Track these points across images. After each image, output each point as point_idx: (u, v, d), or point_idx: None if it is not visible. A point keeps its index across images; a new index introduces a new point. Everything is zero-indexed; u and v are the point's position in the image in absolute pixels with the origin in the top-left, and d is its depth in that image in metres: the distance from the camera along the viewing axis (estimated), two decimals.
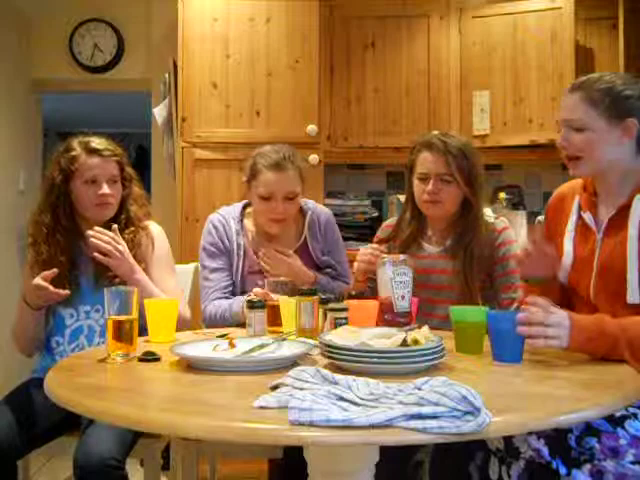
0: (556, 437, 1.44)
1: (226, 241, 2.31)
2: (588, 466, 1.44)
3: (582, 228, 1.78)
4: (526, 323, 1.50)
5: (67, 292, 1.96)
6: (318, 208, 2.44)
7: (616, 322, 1.54)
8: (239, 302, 2.17)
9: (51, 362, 2.00)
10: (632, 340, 1.51)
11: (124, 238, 2.08)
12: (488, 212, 2.20)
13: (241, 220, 2.37)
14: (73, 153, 2.10)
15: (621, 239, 1.65)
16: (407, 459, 1.76)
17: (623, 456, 1.44)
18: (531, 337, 1.50)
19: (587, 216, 1.77)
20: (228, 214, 2.36)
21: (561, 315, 1.53)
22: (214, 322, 2.22)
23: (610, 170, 1.71)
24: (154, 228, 2.25)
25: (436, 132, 2.15)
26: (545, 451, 1.46)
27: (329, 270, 2.35)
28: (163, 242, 2.24)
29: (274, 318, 1.85)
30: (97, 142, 2.13)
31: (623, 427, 1.47)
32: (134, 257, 2.07)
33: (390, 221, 2.30)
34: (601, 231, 1.73)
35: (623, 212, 1.68)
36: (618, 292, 1.65)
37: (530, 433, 1.46)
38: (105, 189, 2.08)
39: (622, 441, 1.45)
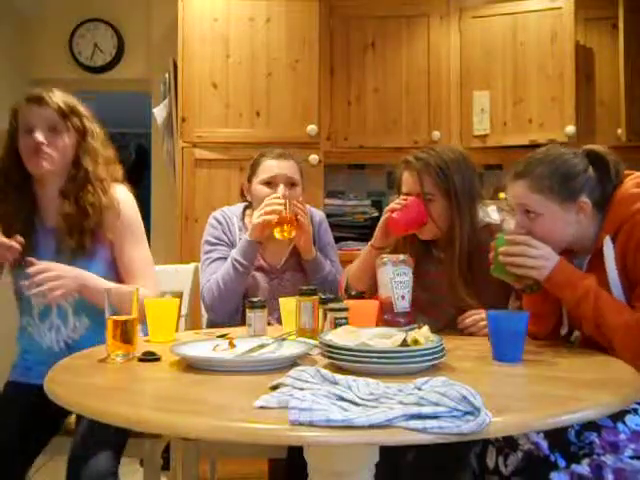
0: (556, 431, 1.45)
1: (229, 235, 2.35)
2: (587, 460, 1.45)
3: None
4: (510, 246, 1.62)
5: (21, 240, 1.81)
6: (313, 209, 2.49)
7: (594, 282, 1.61)
8: (233, 251, 2.25)
9: (28, 346, 2.01)
10: (599, 301, 1.58)
11: (79, 200, 1.92)
12: (493, 214, 2.08)
13: (242, 219, 2.41)
14: (16, 106, 1.98)
15: (602, 283, 1.64)
16: (402, 457, 1.76)
17: (622, 451, 1.45)
18: (512, 263, 1.62)
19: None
20: (230, 212, 2.41)
21: (548, 250, 1.61)
22: (220, 292, 2.23)
23: (574, 242, 1.71)
24: (120, 192, 2.03)
25: (421, 149, 2.06)
26: (544, 445, 1.47)
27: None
28: (131, 209, 2.03)
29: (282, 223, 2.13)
30: (39, 90, 1.99)
31: (623, 422, 1.48)
32: (97, 225, 1.92)
33: None
34: (583, 267, 1.73)
35: (596, 257, 1.68)
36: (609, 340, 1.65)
37: None
38: (39, 137, 1.89)
39: (622, 436, 1.46)
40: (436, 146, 2.13)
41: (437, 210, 1.97)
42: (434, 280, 2.06)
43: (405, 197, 2.02)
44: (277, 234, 2.18)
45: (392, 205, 2.01)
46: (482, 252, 1.82)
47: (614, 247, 1.64)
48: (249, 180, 2.36)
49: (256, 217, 2.21)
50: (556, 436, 1.47)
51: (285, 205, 2.18)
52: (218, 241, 2.34)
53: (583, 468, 1.44)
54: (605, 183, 1.69)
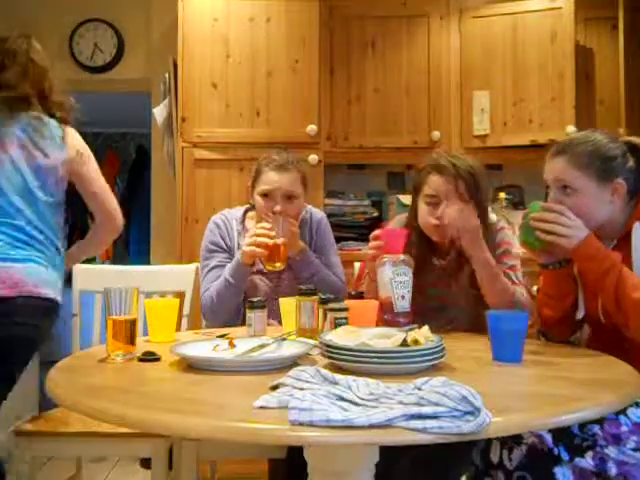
0: None
1: (227, 240, 2.33)
2: (591, 453, 1.47)
3: None
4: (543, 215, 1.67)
5: None
6: (313, 210, 2.48)
7: (619, 258, 1.65)
8: (227, 268, 2.23)
9: None
10: (622, 276, 1.62)
11: None
12: (491, 215, 2.14)
13: (242, 222, 2.39)
14: None
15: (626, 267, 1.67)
16: (402, 457, 1.76)
17: (625, 443, 1.47)
18: (543, 229, 1.67)
19: None
20: (230, 215, 2.40)
21: (580, 222, 1.66)
22: (213, 306, 2.23)
23: (604, 225, 1.74)
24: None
25: (443, 153, 2.08)
26: (548, 438, 1.48)
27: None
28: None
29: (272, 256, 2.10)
30: None
31: (625, 414, 1.50)
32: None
33: (393, 225, 2.21)
34: None
35: (623, 242, 1.71)
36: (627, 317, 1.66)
37: None
38: None
39: (624, 428, 1.49)
40: (455, 153, 2.13)
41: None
42: (437, 289, 2.07)
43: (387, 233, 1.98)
44: (268, 266, 2.17)
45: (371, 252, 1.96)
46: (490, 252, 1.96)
47: None
48: (252, 186, 2.34)
49: (246, 244, 2.16)
50: (559, 428, 1.48)
51: (274, 235, 2.13)
52: (216, 247, 2.32)
53: (587, 462, 1.46)
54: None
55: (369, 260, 1.92)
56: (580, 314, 1.80)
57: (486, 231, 2.01)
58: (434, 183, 2.02)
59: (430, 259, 2.09)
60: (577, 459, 1.46)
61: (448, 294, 2.07)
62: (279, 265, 2.15)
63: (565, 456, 1.47)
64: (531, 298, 1.98)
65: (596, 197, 1.71)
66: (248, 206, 2.43)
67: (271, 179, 2.27)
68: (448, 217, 1.97)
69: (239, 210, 2.43)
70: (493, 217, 2.14)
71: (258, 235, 2.14)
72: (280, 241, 2.13)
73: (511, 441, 1.53)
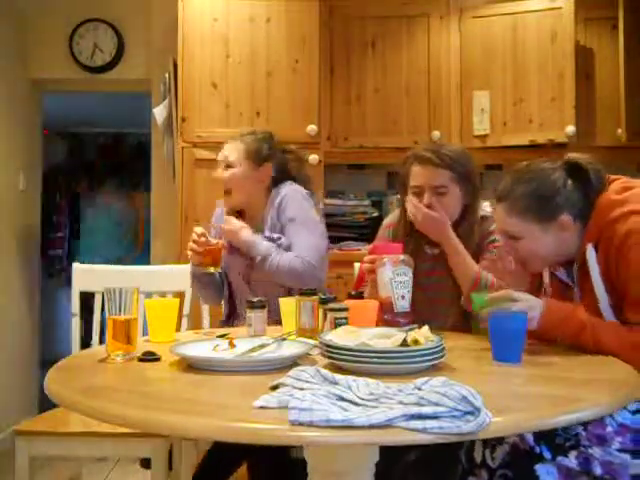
0: None
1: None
2: (574, 452, 1.45)
3: (557, 284, 1.80)
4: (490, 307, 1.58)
5: None
6: (287, 187, 2.31)
7: (584, 312, 1.61)
8: None
9: None
10: (597, 329, 1.57)
11: None
12: (487, 208, 2.17)
13: None
14: None
15: (591, 292, 1.66)
16: (400, 458, 1.76)
17: (610, 444, 1.46)
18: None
19: (560, 273, 1.78)
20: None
21: (530, 298, 1.61)
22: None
23: (560, 255, 1.72)
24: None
25: (427, 144, 2.13)
26: (529, 437, 1.48)
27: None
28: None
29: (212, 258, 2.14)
30: None
31: (611, 415, 1.48)
32: None
33: (389, 220, 2.26)
34: (576, 285, 1.73)
35: (584, 267, 1.68)
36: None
37: None
38: None
39: (609, 429, 1.48)
40: (438, 141, 2.19)
41: (448, 205, 2.03)
42: (430, 278, 2.08)
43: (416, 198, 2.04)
44: (211, 269, 2.20)
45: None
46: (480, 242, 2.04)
47: (597, 255, 1.64)
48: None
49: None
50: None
51: (203, 241, 2.16)
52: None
53: (570, 461, 1.45)
54: (588, 192, 1.68)
55: (368, 273, 1.94)
56: None
57: (474, 215, 2.06)
58: (416, 174, 2.05)
59: (423, 248, 2.11)
60: (560, 458, 1.45)
61: (443, 283, 2.07)
62: (212, 268, 2.18)
63: (547, 455, 1.46)
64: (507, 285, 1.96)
65: (541, 239, 1.67)
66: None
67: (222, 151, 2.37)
68: (410, 214, 2.03)
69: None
70: (489, 209, 2.14)
71: (192, 241, 2.19)
72: (214, 244, 2.16)
73: (494, 440, 1.52)
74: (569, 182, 1.68)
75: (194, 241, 2.17)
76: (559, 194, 1.66)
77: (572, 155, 1.75)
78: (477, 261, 2.03)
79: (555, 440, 1.47)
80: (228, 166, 2.30)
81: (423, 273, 2.04)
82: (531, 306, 1.59)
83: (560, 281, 1.78)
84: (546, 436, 1.47)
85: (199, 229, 2.18)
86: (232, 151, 2.32)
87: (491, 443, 1.53)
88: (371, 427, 1.02)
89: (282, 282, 2.18)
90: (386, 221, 2.28)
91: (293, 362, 1.44)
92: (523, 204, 1.67)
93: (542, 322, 1.59)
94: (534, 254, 1.70)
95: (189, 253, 2.19)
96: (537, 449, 1.47)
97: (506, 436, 1.50)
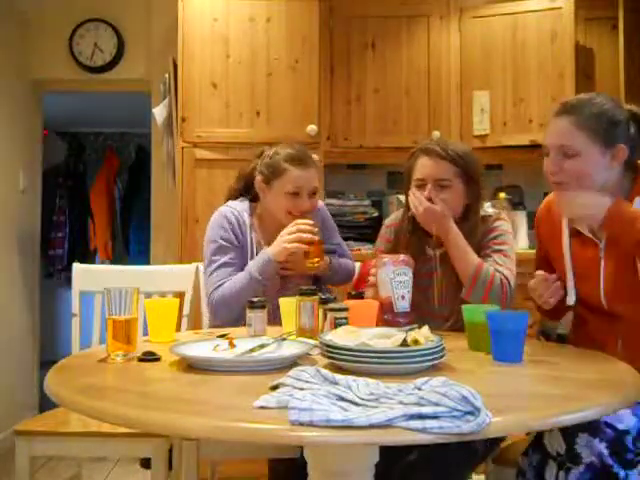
0: (615, 439, 1.45)
1: (240, 236, 2.25)
2: None
3: (577, 237, 1.79)
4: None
5: None
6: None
7: None
8: (251, 264, 2.16)
9: None
10: None
11: None
12: (489, 209, 2.18)
13: (251, 215, 2.31)
14: None
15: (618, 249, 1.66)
16: (400, 459, 1.76)
17: None
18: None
19: (585, 231, 1.77)
20: (241, 208, 2.30)
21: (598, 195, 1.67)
22: (229, 301, 2.15)
23: (601, 191, 1.72)
24: None
25: (435, 138, 2.14)
26: (607, 455, 1.45)
27: (334, 254, 2.34)
28: None
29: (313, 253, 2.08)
30: None
31: None
32: None
33: (390, 220, 2.25)
34: (603, 239, 1.72)
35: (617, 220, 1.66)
36: (633, 293, 1.65)
37: (594, 436, 1.46)
38: None
39: None
40: (447, 140, 2.20)
41: (450, 200, 2.03)
42: (431, 279, 2.08)
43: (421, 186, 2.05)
44: (308, 264, 2.11)
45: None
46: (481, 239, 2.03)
47: None
48: (266, 182, 2.25)
49: (287, 240, 2.10)
50: (615, 444, 1.46)
51: (317, 231, 2.13)
52: (227, 244, 2.22)
53: (636, 475, 1.43)
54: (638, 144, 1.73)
55: (368, 286, 1.99)
56: (571, 300, 1.78)
57: (476, 215, 2.06)
58: (421, 165, 2.05)
59: (425, 250, 2.10)
60: (629, 472, 1.43)
61: (445, 283, 2.06)
62: (317, 263, 2.11)
63: (621, 473, 1.44)
64: (507, 279, 1.96)
65: (597, 161, 1.69)
66: (249, 197, 2.35)
67: (297, 177, 2.21)
68: (412, 207, 2.02)
69: (244, 203, 2.33)
70: (490, 210, 2.15)
71: (302, 231, 2.10)
72: (317, 238, 2.11)
73: (569, 461, 1.49)
74: (631, 122, 1.74)
75: (306, 231, 2.09)
76: (625, 127, 1.72)
77: (632, 106, 1.80)
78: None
79: (626, 456, 1.45)
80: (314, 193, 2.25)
81: (425, 274, 2.05)
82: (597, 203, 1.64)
83: (580, 235, 1.78)
84: (619, 452, 1.45)
85: (308, 220, 2.13)
86: (314, 178, 2.27)
87: (566, 465, 1.49)
88: (371, 427, 1.02)
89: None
90: (387, 221, 2.28)
91: (293, 362, 1.44)
92: (593, 122, 1.70)
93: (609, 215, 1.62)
94: (585, 175, 1.69)
95: (293, 245, 2.08)
96: (615, 467, 1.44)
97: (583, 457, 1.47)
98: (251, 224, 2.28)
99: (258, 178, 2.28)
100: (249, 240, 2.26)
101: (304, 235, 2.09)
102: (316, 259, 2.10)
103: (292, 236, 2.11)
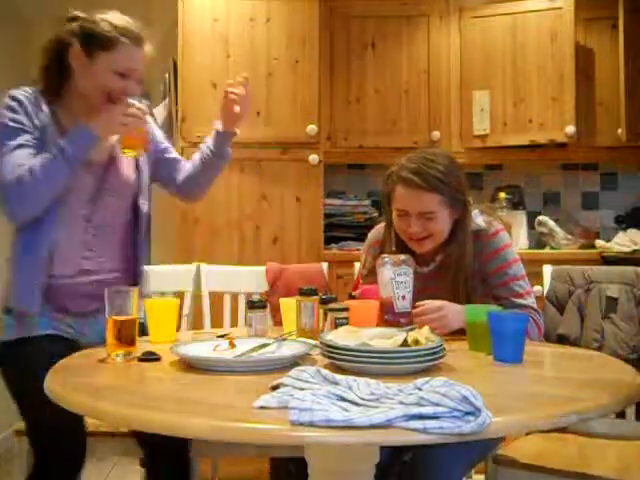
0: None
1: (36, 120, 1.86)
2: None
3: None
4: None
5: None
6: None
7: None
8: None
9: None
10: None
11: None
12: (477, 218, 1.98)
13: (48, 103, 1.90)
14: None
15: None
16: (396, 458, 1.76)
17: None
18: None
19: None
20: (34, 91, 1.92)
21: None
22: (31, 182, 1.75)
23: None
24: None
25: (412, 159, 1.92)
26: None
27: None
28: None
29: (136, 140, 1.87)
30: None
31: None
32: None
33: (374, 236, 2.13)
34: None
35: None
36: None
37: None
38: None
39: None
40: (423, 152, 1.98)
41: (438, 225, 1.91)
42: (422, 295, 1.90)
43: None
44: (127, 151, 1.87)
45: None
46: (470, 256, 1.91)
47: None
48: (89, 54, 1.92)
49: (120, 121, 1.80)
50: None
51: (146, 121, 1.89)
52: (20, 125, 1.82)
53: None
54: None
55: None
56: None
57: (464, 232, 1.92)
58: (401, 197, 1.92)
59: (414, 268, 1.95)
60: None
61: (437, 298, 1.90)
62: (135, 152, 1.89)
63: None
64: (536, 310, 1.89)
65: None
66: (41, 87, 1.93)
67: (132, 53, 1.99)
68: (420, 321, 1.76)
69: (34, 89, 1.93)
70: (481, 222, 1.98)
71: (138, 117, 1.82)
72: (146, 129, 1.89)
73: None
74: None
75: (138, 116, 1.81)
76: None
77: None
78: (484, 283, 1.94)
79: None
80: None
81: (415, 291, 1.90)
82: None
83: None
84: None
85: (142, 105, 1.85)
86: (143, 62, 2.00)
87: None
88: (371, 427, 1.02)
89: None
90: (371, 236, 2.15)
91: (293, 362, 1.44)
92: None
93: None
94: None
95: (127, 120, 1.80)
96: None
97: None
98: (47, 112, 1.88)
99: (75, 48, 1.93)
100: (49, 132, 1.85)
101: (140, 121, 1.83)
102: (136, 149, 1.88)
103: (129, 119, 1.80)
